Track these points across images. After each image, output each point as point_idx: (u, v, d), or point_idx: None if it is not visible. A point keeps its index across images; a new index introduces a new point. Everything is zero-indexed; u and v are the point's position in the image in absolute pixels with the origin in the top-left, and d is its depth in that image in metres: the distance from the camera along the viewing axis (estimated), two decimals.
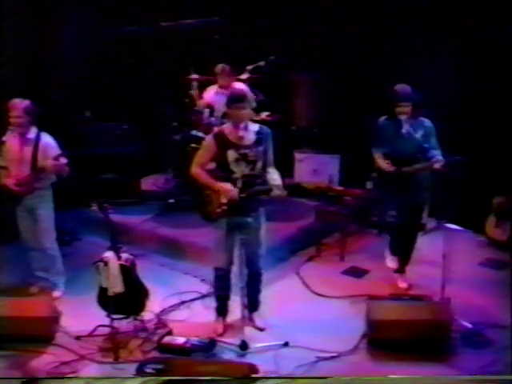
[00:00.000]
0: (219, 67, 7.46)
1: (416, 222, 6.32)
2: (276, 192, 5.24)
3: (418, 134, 5.88)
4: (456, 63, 7.10)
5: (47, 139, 6.00)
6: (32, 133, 5.97)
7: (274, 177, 5.36)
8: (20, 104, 5.86)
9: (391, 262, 6.50)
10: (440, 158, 5.76)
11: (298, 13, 8.05)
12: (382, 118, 6.06)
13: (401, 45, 7.44)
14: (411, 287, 6.28)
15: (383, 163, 6.00)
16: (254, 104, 5.38)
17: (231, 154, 5.29)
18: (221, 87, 7.53)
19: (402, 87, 5.89)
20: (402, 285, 6.32)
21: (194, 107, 7.68)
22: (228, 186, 5.28)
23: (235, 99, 5.30)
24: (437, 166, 5.69)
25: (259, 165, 5.34)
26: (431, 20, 7.26)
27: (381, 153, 6.06)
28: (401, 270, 6.40)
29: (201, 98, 7.72)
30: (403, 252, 6.35)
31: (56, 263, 6.31)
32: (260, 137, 5.36)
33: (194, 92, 7.67)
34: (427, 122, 5.95)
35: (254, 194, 5.35)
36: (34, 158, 5.93)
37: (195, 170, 5.45)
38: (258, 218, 5.47)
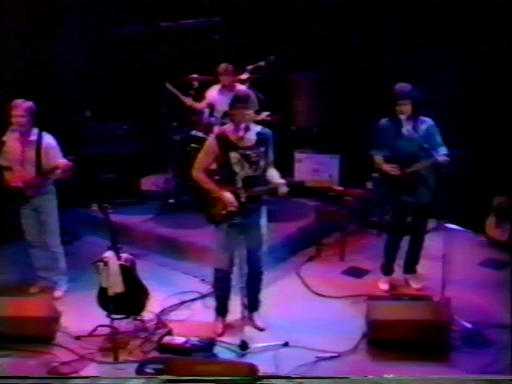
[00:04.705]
0: (222, 66, 7.46)
1: (420, 222, 6.22)
2: (283, 190, 5.25)
3: (420, 134, 5.86)
4: (457, 63, 7.10)
5: (49, 140, 6.01)
6: (34, 134, 5.98)
7: (276, 175, 5.38)
8: (23, 104, 5.87)
9: (383, 284, 6.38)
10: (444, 152, 5.74)
11: (298, 13, 8.05)
12: (384, 120, 6.03)
13: (401, 44, 7.44)
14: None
15: (388, 167, 5.95)
16: (257, 106, 5.37)
17: (234, 156, 5.28)
18: (223, 87, 7.54)
19: (401, 86, 5.86)
20: (416, 285, 6.31)
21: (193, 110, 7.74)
22: (230, 196, 5.26)
23: (240, 100, 5.27)
24: (441, 159, 5.67)
25: (261, 165, 5.34)
26: (431, 19, 7.26)
27: (382, 155, 6.00)
28: (412, 271, 6.38)
29: (197, 99, 7.75)
30: (412, 252, 6.31)
31: (59, 262, 6.32)
32: (261, 138, 5.36)
33: (188, 101, 7.73)
34: (429, 121, 5.91)
35: (259, 194, 5.35)
36: (37, 159, 5.94)
37: (198, 174, 5.40)
38: (260, 217, 5.48)
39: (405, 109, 5.82)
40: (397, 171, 5.91)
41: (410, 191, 5.98)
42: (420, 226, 6.22)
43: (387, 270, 6.40)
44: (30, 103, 5.89)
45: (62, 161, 5.85)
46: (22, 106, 5.86)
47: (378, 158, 6.04)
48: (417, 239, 6.27)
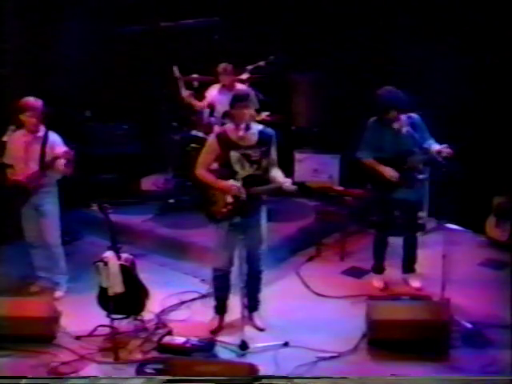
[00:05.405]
0: (221, 66, 7.46)
1: (410, 219, 6.24)
2: (290, 187, 5.24)
3: (409, 130, 5.84)
4: (456, 64, 7.10)
5: (54, 137, 6.03)
6: (41, 131, 5.99)
7: (280, 175, 5.37)
8: (36, 103, 5.87)
9: (378, 282, 6.40)
10: (439, 146, 5.70)
11: (297, 13, 8.05)
12: (373, 118, 5.98)
13: (400, 45, 7.44)
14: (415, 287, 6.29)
15: (387, 170, 5.90)
16: (256, 105, 5.38)
17: (234, 155, 5.29)
18: (223, 86, 7.54)
19: (385, 93, 5.82)
20: (415, 284, 6.29)
21: (193, 108, 7.74)
22: (230, 182, 5.27)
23: (239, 99, 5.29)
24: (444, 154, 5.63)
25: (263, 165, 5.34)
26: (430, 20, 7.27)
27: (371, 157, 5.96)
28: (410, 270, 6.37)
29: (197, 98, 7.75)
30: (408, 252, 6.31)
31: (59, 262, 6.31)
32: (263, 137, 5.36)
33: (185, 93, 7.71)
34: (416, 117, 5.88)
35: (261, 193, 5.35)
36: (42, 155, 5.94)
37: (199, 171, 5.43)
38: (260, 217, 5.48)
39: (390, 115, 5.80)
40: (395, 175, 5.88)
41: (402, 188, 5.97)
42: (410, 222, 6.23)
43: (378, 269, 6.41)
44: (40, 102, 5.89)
45: (62, 150, 5.84)
46: (35, 105, 5.86)
47: (369, 161, 5.97)
48: (410, 238, 6.28)
